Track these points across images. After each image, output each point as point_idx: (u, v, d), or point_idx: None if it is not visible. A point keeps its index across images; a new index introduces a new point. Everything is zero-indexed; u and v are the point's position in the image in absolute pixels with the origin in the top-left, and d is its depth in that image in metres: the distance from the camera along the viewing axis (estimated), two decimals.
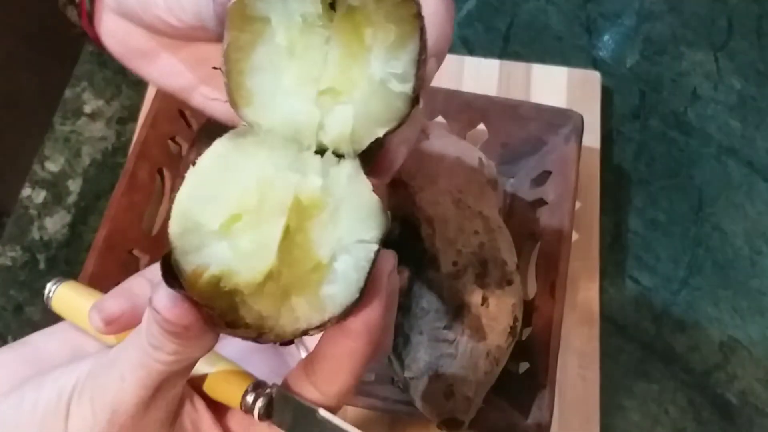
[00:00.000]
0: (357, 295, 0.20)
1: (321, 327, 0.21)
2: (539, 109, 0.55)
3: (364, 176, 0.21)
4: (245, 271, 0.20)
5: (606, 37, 0.71)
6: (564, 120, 0.54)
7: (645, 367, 0.55)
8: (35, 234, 0.60)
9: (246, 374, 0.25)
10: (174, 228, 0.20)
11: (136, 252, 0.53)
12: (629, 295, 0.58)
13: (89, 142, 0.64)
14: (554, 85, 0.65)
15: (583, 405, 0.52)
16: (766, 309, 0.57)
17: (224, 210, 0.20)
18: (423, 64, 0.20)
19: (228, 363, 0.26)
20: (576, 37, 0.71)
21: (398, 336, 0.44)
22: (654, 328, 0.57)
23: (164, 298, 0.20)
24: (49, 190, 0.62)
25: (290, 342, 0.22)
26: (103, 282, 0.50)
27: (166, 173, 0.57)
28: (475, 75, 0.66)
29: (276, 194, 0.21)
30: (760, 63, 0.69)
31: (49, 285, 0.31)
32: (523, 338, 0.49)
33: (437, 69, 0.24)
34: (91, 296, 0.29)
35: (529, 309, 0.50)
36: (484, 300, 0.44)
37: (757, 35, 0.71)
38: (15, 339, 0.54)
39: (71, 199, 0.61)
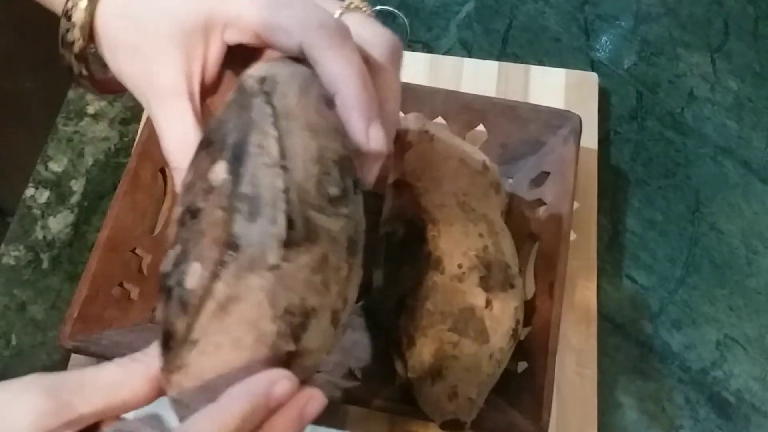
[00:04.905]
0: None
1: None
2: (537, 110, 0.55)
3: None
4: None
5: (603, 39, 0.71)
6: (562, 121, 0.55)
7: (642, 365, 0.56)
8: (39, 233, 0.60)
9: None
10: None
11: (138, 251, 0.54)
12: (627, 294, 0.58)
13: (92, 143, 0.64)
14: (552, 87, 0.66)
15: (581, 403, 0.53)
16: (762, 308, 0.58)
17: None
18: None
19: None
20: (574, 39, 0.71)
21: (402, 336, 0.44)
22: (651, 327, 0.57)
23: None
24: (53, 190, 0.62)
25: None
26: (105, 280, 0.50)
27: (168, 173, 0.57)
28: (474, 76, 0.67)
29: None
30: (756, 64, 0.70)
31: None
32: (522, 338, 0.49)
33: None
34: None
35: (527, 309, 0.50)
36: (488, 303, 0.44)
37: (754, 37, 0.71)
38: (18, 338, 0.55)
39: (74, 198, 0.62)
